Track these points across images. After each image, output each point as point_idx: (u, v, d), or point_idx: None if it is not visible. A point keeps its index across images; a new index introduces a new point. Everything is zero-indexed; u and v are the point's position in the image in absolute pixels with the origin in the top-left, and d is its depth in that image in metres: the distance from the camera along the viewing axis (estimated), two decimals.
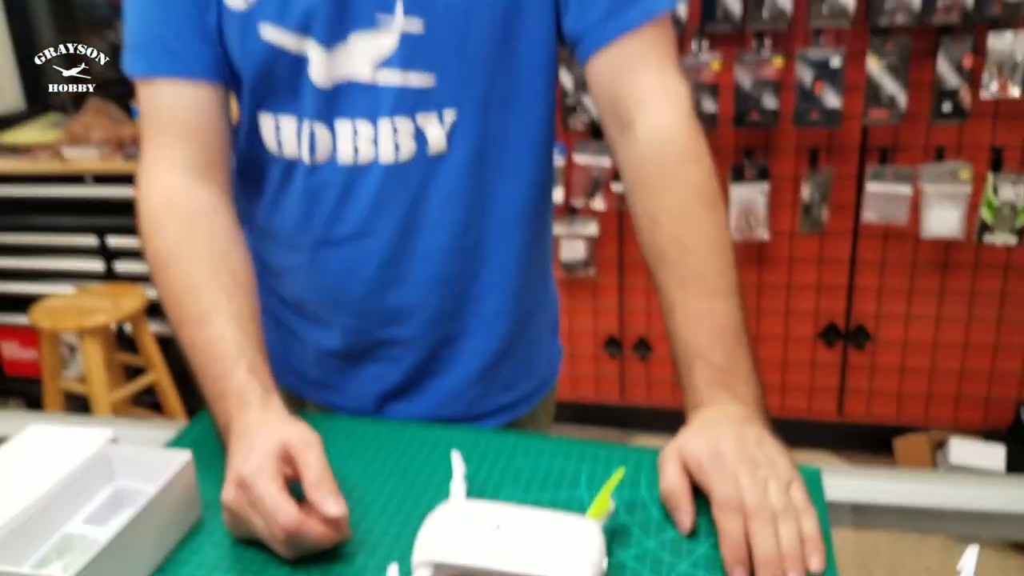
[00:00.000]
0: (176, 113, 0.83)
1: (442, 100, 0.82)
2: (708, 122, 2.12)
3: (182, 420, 2.41)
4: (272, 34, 0.79)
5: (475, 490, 0.72)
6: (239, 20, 0.79)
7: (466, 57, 0.81)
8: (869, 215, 2.12)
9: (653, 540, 0.65)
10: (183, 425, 0.88)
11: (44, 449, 0.75)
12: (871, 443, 2.49)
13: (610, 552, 0.63)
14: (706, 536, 0.64)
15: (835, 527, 0.67)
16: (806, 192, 2.16)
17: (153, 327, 2.43)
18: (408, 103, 0.81)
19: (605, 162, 2.23)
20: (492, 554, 0.59)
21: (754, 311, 2.42)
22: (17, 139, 2.69)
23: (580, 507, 0.68)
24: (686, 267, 0.75)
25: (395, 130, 0.81)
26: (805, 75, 2.01)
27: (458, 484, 0.68)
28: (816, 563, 0.60)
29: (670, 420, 0.78)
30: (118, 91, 3.07)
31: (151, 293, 2.42)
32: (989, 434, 2.32)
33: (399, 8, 0.77)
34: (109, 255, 2.62)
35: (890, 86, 1.98)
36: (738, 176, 2.18)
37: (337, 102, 0.81)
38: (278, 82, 0.81)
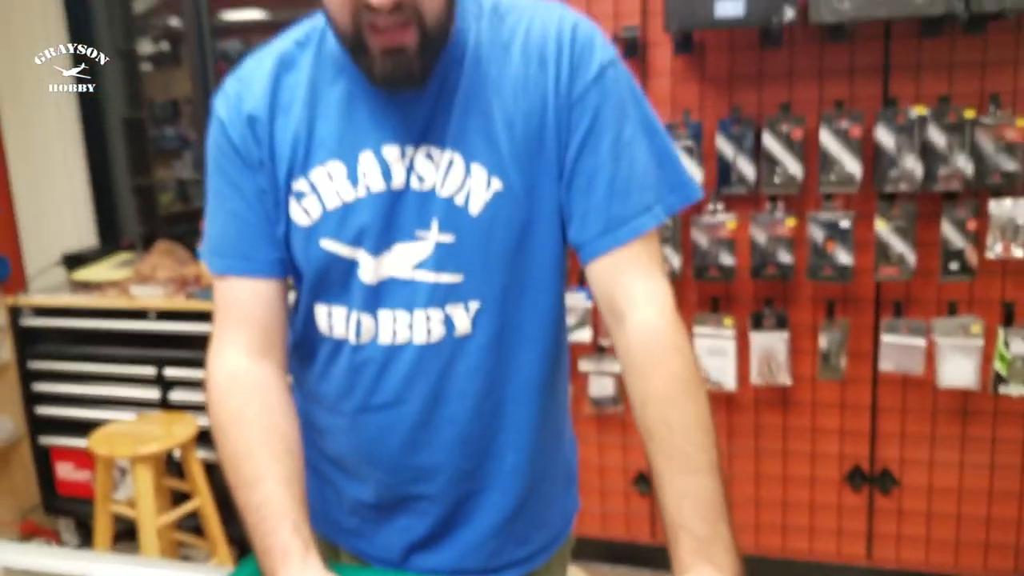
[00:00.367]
0: (244, 304, 0.99)
1: (468, 294, 0.96)
2: (726, 275, 2.25)
3: (223, 545, 2.52)
4: (330, 245, 0.95)
5: None
6: (304, 233, 0.96)
7: (489, 260, 0.96)
8: (886, 365, 2.21)
9: None
10: (229, 570, 0.99)
11: None
12: None
13: None
14: None
15: None
16: (823, 342, 2.26)
17: (201, 454, 2.56)
18: (440, 297, 0.96)
19: None
20: None
21: (780, 453, 2.49)
22: (89, 276, 2.92)
23: None
24: (671, 445, 0.87)
25: (428, 318, 0.96)
26: (817, 234, 2.15)
27: None
28: None
29: None
30: (184, 230, 3.34)
31: (202, 421, 2.57)
32: None
33: (435, 225, 0.94)
34: (165, 385, 2.78)
35: (899, 246, 2.10)
36: (758, 324, 2.29)
37: (381, 296, 0.96)
38: (332, 281, 0.97)
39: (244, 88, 0.98)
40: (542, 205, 0.97)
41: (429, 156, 0.94)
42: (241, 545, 2.66)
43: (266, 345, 0.99)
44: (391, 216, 0.94)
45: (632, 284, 0.93)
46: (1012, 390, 2.13)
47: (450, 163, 0.93)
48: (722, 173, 2.22)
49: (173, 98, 3.74)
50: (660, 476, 0.87)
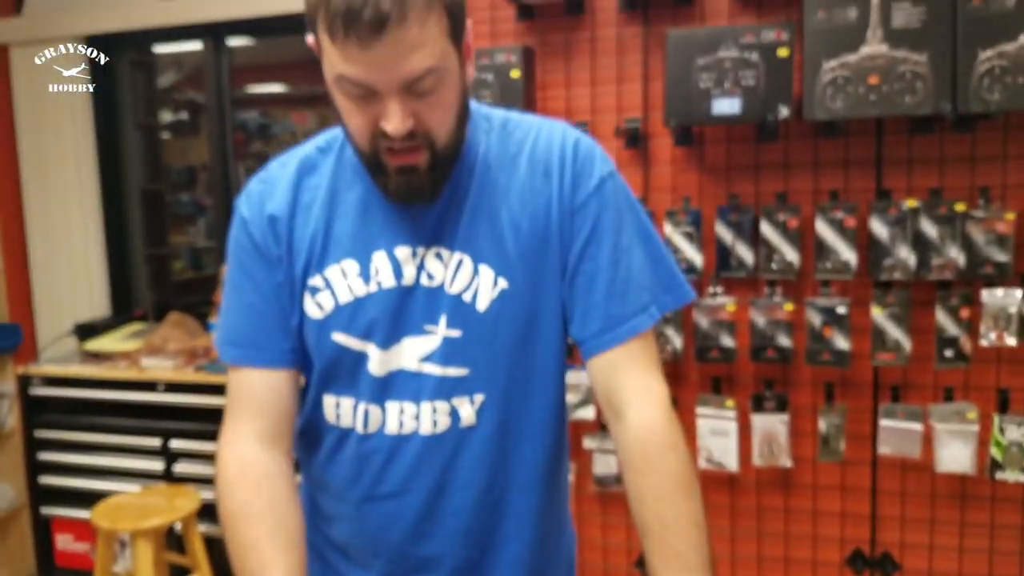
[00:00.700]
0: (255, 393, 1.03)
1: (474, 387, 1.01)
2: (727, 356, 2.30)
3: None
4: (341, 338, 1.00)
5: None
6: (316, 326, 1.01)
7: (494, 354, 1.01)
8: (885, 448, 2.23)
9: None
10: None
11: None
12: None
13: None
14: None
15: None
16: (823, 424, 2.29)
17: (203, 527, 2.57)
18: (446, 389, 1.01)
19: None
20: None
21: (782, 536, 2.49)
22: (100, 346, 2.96)
23: None
24: (666, 543, 0.90)
25: (434, 410, 1.01)
26: (815, 319, 2.20)
27: None
28: None
29: None
30: (196, 299, 3.40)
31: (205, 495, 2.58)
32: None
33: (443, 320, 0.99)
34: (170, 456, 2.81)
35: (894, 332, 2.15)
36: (759, 406, 2.33)
37: (388, 388, 1.01)
38: (342, 372, 1.02)
39: (267, 189, 1.05)
40: (545, 302, 1.02)
41: (439, 256, 1.00)
42: None
43: (276, 433, 1.03)
44: (401, 311, 0.99)
45: (630, 382, 0.99)
46: (1008, 476, 2.14)
47: (459, 263, 0.99)
48: (721, 257, 2.28)
49: (190, 165, 3.86)
50: (657, 573, 0.90)
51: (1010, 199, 2.14)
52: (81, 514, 2.87)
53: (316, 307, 1.01)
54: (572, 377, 2.30)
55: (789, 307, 2.23)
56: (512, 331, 1.01)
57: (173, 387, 2.75)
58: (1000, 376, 2.21)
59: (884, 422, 2.23)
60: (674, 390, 2.44)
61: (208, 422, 2.73)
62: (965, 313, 2.11)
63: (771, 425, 2.33)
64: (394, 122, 0.87)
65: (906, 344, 2.15)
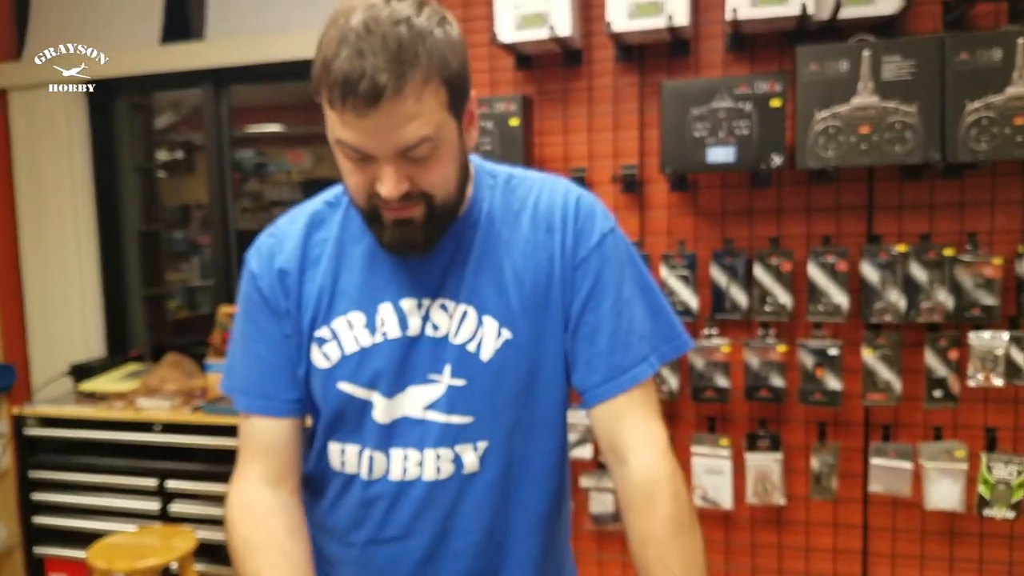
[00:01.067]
0: (263, 439, 1.07)
1: (477, 434, 1.05)
2: (722, 396, 2.35)
3: None
4: (347, 387, 1.04)
5: None
6: (323, 375, 1.05)
7: (497, 402, 1.05)
8: (875, 486, 2.28)
9: None
10: None
11: None
12: None
13: None
14: None
15: None
16: (815, 463, 2.34)
17: (199, 567, 2.56)
18: (450, 437, 1.04)
19: None
20: None
21: (776, 572, 2.52)
22: (96, 387, 2.95)
23: None
24: None
25: (438, 457, 1.04)
26: (807, 360, 2.26)
27: None
28: None
29: None
30: (191, 339, 3.41)
31: (201, 534, 2.58)
32: None
33: (447, 369, 1.03)
34: (166, 496, 2.80)
35: (885, 373, 2.21)
36: (752, 445, 2.37)
37: (393, 435, 1.05)
38: (347, 420, 1.06)
39: (276, 244, 1.09)
40: (547, 352, 1.07)
41: (444, 307, 1.04)
42: None
43: (281, 474, 1.07)
44: (406, 360, 1.03)
45: (632, 429, 1.03)
46: (995, 513, 2.20)
47: (464, 314, 1.03)
48: (716, 299, 2.34)
49: (183, 203, 3.87)
50: None
51: (997, 244, 2.22)
52: (76, 554, 2.85)
53: (323, 357, 1.05)
54: (569, 416, 2.33)
55: (782, 348, 2.28)
56: (515, 380, 1.05)
57: (169, 427, 2.75)
58: (988, 415, 2.28)
59: (875, 460, 2.28)
60: (670, 429, 2.48)
61: (205, 462, 2.73)
62: (953, 355, 2.18)
63: (765, 463, 2.37)
64: (387, 186, 0.91)
65: (896, 385, 2.21)
